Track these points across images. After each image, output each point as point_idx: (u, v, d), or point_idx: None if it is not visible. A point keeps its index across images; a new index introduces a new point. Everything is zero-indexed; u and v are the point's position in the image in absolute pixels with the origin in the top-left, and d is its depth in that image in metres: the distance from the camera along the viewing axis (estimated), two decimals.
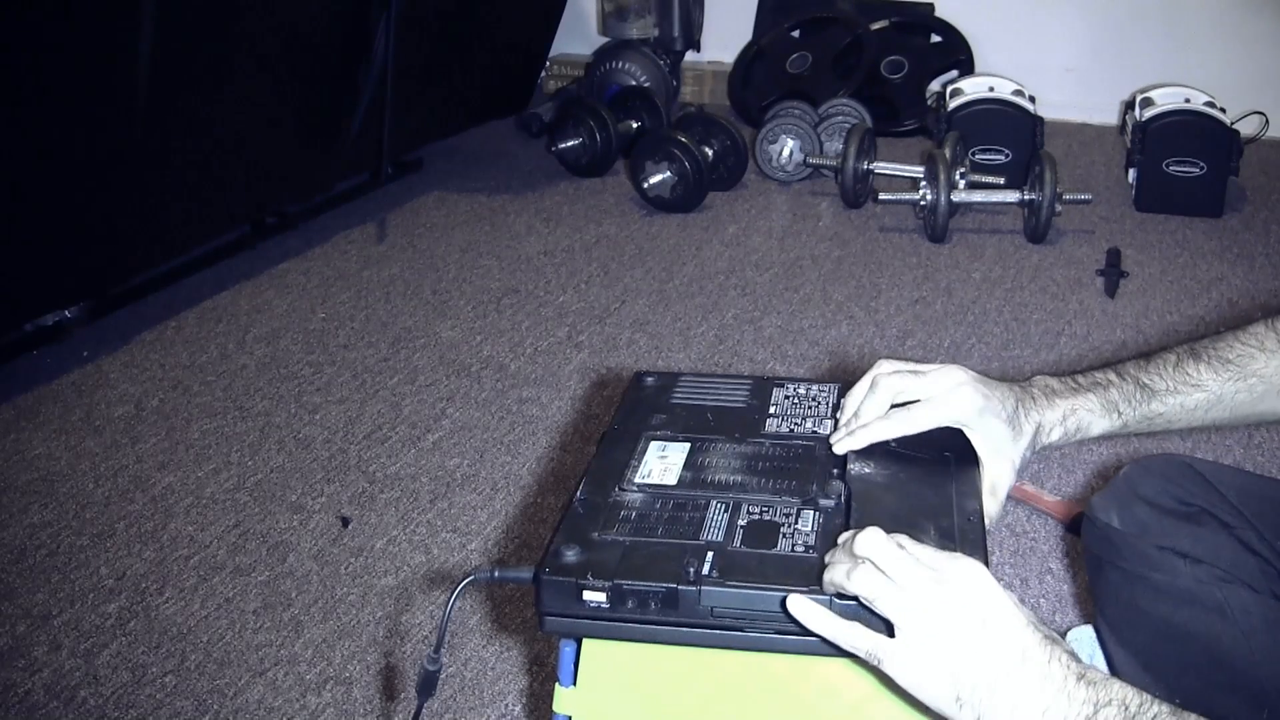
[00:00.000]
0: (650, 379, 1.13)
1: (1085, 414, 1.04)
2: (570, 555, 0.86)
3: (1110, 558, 1.14)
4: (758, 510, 0.91)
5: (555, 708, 0.89)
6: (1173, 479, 1.13)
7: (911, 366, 1.02)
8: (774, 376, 1.14)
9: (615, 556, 0.86)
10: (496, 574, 0.90)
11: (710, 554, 0.86)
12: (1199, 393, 1.06)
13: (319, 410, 2.26)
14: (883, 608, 0.79)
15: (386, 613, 1.71)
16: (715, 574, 0.84)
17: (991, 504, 1.01)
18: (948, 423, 1.00)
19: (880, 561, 0.79)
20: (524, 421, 2.20)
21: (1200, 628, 1.07)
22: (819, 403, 1.08)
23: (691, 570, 0.84)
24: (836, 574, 0.81)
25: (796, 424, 1.04)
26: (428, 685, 0.92)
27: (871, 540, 0.80)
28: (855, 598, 0.80)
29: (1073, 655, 0.79)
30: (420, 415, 2.23)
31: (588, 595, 0.84)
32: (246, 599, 1.74)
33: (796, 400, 1.08)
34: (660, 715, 0.89)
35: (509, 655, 1.62)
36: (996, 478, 1.02)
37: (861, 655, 0.80)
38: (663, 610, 0.84)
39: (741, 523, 0.90)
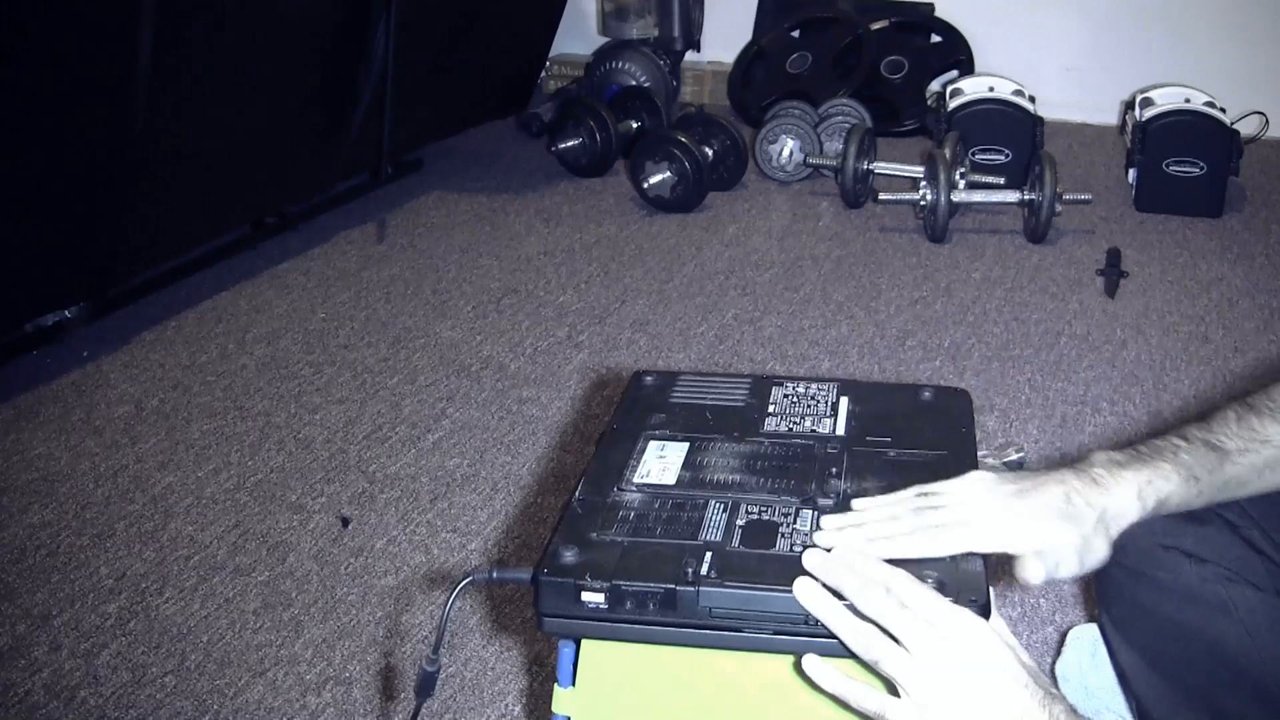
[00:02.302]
0: (649, 378, 1.13)
1: (1162, 484, 0.95)
2: (569, 556, 0.86)
3: (1115, 557, 1.13)
4: (756, 510, 0.91)
5: (554, 708, 0.89)
6: None
7: (942, 490, 0.92)
8: (773, 375, 1.14)
9: (613, 557, 0.86)
10: (495, 575, 0.90)
11: (709, 554, 0.86)
12: (1268, 449, 1.00)
13: (319, 410, 2.26)
14: (888, 670, 0.80)
15: (386, 613, 1.71)
16: (713, 574, 0.84)
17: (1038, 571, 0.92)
18: (967, 549, 0.88)
19: (884, 622, 0.80)
20: (524, 421, 2.20)
21: (1205, 626, 1.07)
22: (818, 401, 1.08)
23: (690, 571, 0.84)
24: (847, 627, 0.81)
25: (795, 423, 1.04)
26: (426, 686, 0.92)
27: (873, 600, 0.81)
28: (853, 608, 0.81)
29: (1071, 710, 0.80)
30: (420, 415, 2.23)
31: (586, 596, 0.84)
32: (246, 599, 1.74)
33: (795, 399, 1.08)
34: (659, 715, 0.89)
35: (509, 655, 1.62)
36: (1057, 563, 0.93)
37: (869, 714, 0.81)
38: (661, 611, 0.83)
39: (740, 523, 0.90)
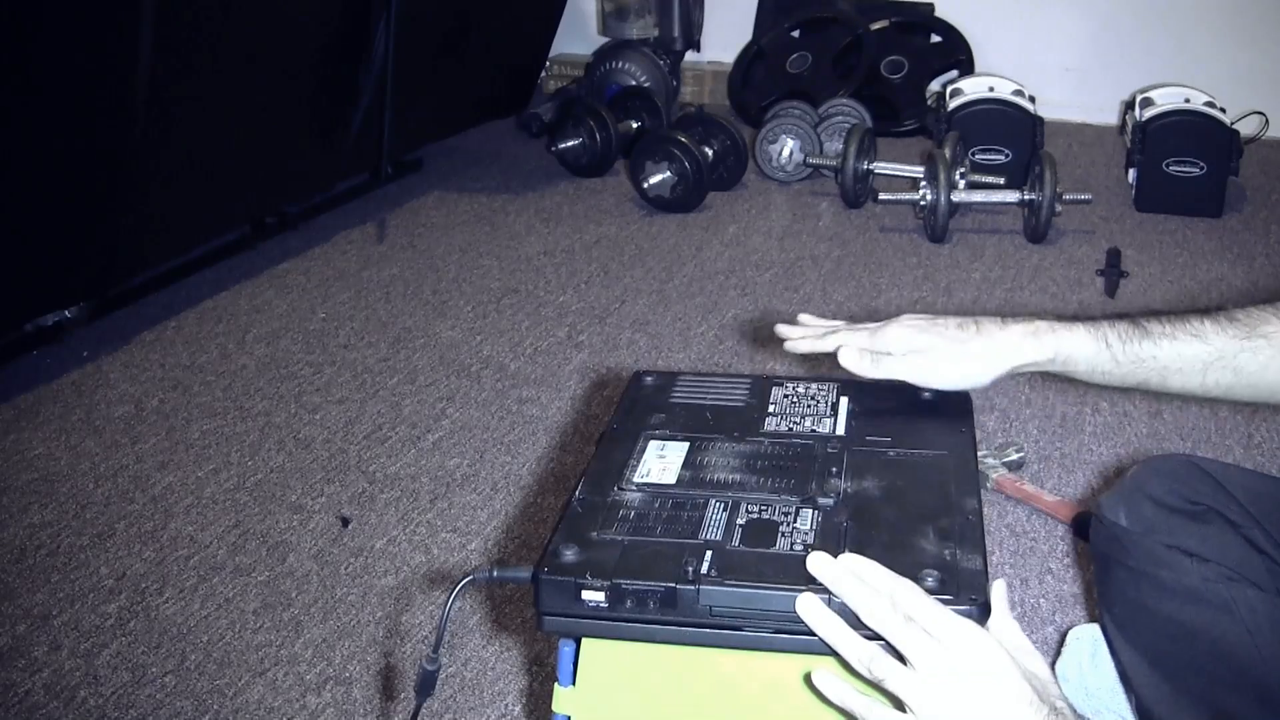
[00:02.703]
0: (649, 378, 1.13)
1: (1067, 334, 1.00)
2: (569, 555, 0.86)
3: (1117, 556, 1.14)
4: (756, 509, 0.91)
5: (554, 708, 0.89)
6: (1180, 478, 1.13)
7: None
8: (773, 375, 1.14)
9: (614, 556, 0.86)
10: (495, 574, 0.90)
11: (709, 553, 0.86)
12: (1198, 343, 1.00)
13: (319, 410, 2.26)
14: (892, 687, 0.80)
15: (386, 613, 1.71)
16: (714, 573, 0.84)
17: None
18: (897, 375, 1.04)
19: (889, 636, 0.80)
20: (524, 421, 2.20)
21: (1207, 626, 1.07)
22: (818, 401, 1.07)
23: (690, 569, 0.84)
24: (850, 646, 0.81)
25: (795, 423, 1.04)
26: (426, 685, 0.92)
27: (878, 613, 0.81)
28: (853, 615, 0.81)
29: None
30: (420, 415, 2.23)
31: (586, 595, 0.84)
32: (246, 599, 1.74)
33: (795, 399, 1.08)
34: (659, 715, 0.89)
35: (509, 655, 1.62)
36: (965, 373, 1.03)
37: None
38: (661, 609, 0.83)
39: (740, 522, 0.90)
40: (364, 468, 2.06)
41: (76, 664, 1.62)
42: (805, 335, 1.13)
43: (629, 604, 0.84)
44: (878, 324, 1.08)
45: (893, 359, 1.05)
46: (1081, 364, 1.00)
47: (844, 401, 1.07)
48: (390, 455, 2.10)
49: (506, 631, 1.66)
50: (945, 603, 0.81)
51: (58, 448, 2.14)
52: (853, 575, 0.83)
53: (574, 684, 0.89)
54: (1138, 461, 1.20)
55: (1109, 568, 1.16)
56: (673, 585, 0.83)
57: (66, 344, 2.47)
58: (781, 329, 1.14)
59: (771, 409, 1.06)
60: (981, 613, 0.82)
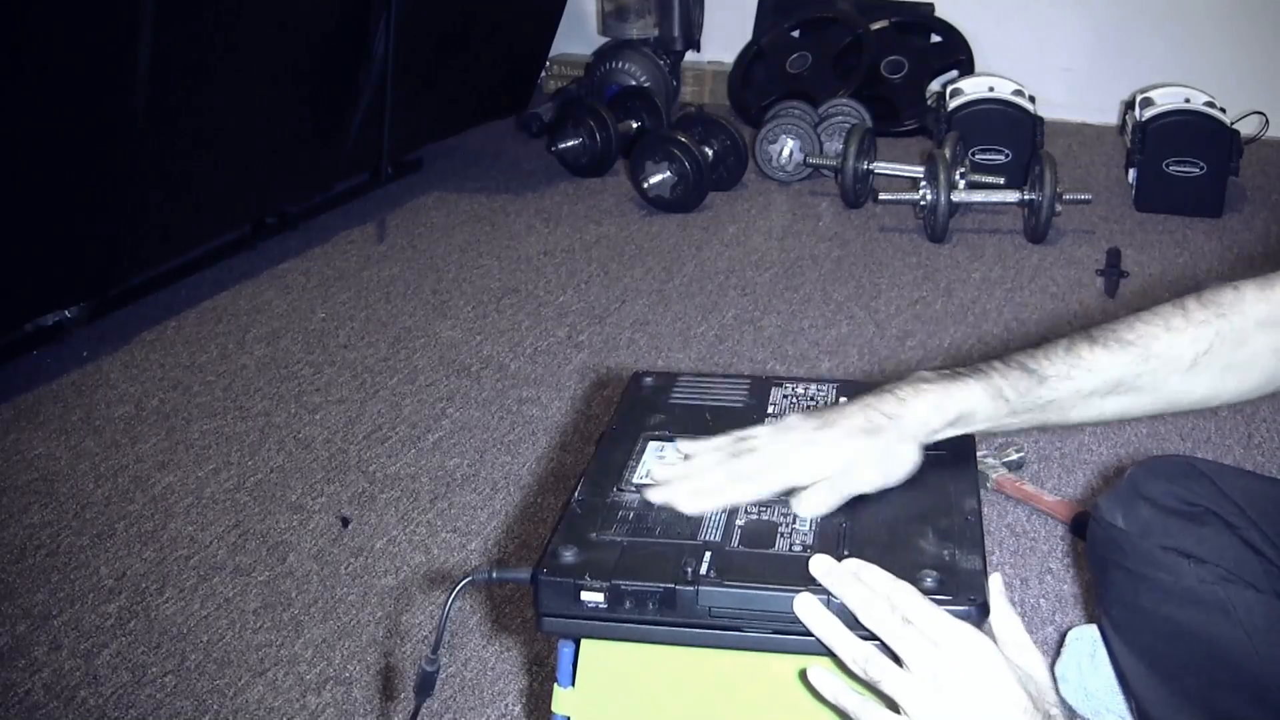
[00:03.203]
0: (649, 379, 1.13)
1: (963, 397, 0.96)
2: (568, 556, 0.86)
3: (1115, 558, 1.14)
4: (755, 510, 0.91)
5: (554, 708, 0.89)
6: (1177, 480, 1.13)
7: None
8: (772, 376, 1.14)
9: (613, 557, 0.86)
10: (495, 575, 0.90)
11: (708, 554, 0.86)
12: (1094, 377, 0.97)
13: (319, 410, 2.26)
14: (887, 689, 0.80)
15: (386, 613, 1.71)
16: (713, 574, 0.84)
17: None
18: (801, 483, 0.92)
19: (886, 638, 0.80)
20: (524, 421, 2.20)
21: (1204, 627, 1.07)
22: (817, 402, 1.08)
23: (689, 570, 0.84)
24: (847, 647, 0.81)
25: None
26: (426, 686, 0.92)
27: (876, 615, 0.81)
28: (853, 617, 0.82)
29: None
30: (420, 415, 2.23)
31: (585, 595, 0.84)
32: (246, 599, 1.74)
33: (795, 400, 1.08)
34: (659, 715, 0.89)
35: (509, 655, 1.62)
36: (859, 479, 0.94)
37: None
38: (661, 610, 0.83)
39: (739, 523, 0.90)
40: (364, 468, 2.06)
41: (76, 664, 1.62)
42: (705, 486, 0.95)
43: (628, 605, 0.84)
44: (774, 473, 0.94)
45: (843, 479, 0.93)
46: (980, 421, 0.97)
47: (843, 402, 1.07)
48: (390, 455, 2.10)
49: (506, 631, 1.66)
50: (944, 603, 0.81)
51: (58, 448, 2.14)
52: (852, 576, 0.83)
53: (574, 684, 0.89)
54: (1136, 463, 1.20)
55: (1106, 570, 1.16)
56: (672, 586, 0.83)
57: (66, 344, 2.47)
58: (659, 495, 0.94)
59: (771, 410, 1.06)
60: (980, 613, 0.82)
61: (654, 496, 0.93)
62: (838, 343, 2.50)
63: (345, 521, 1.91)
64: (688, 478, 0.95)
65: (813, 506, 0.91)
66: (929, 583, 0.82)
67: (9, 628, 1.69)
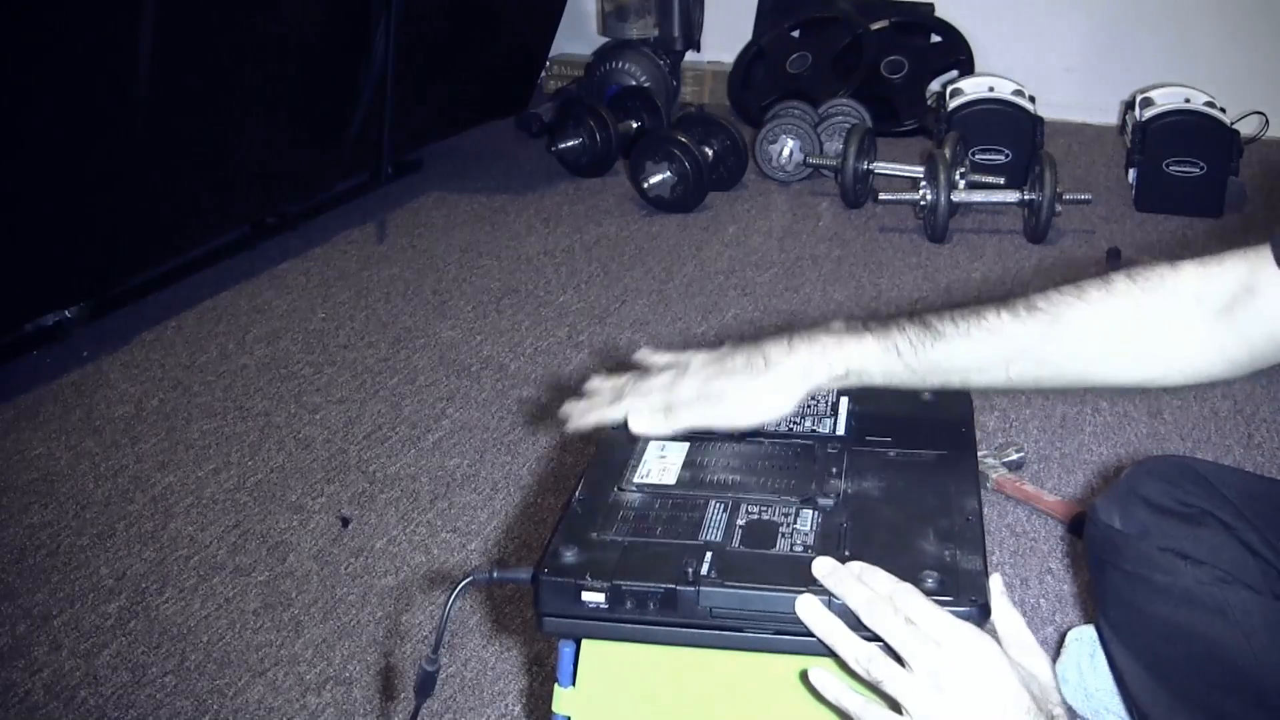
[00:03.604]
0: None
1: (855, 349, 0.97)
2: (569, 556, 0.86)
3: (1112, 559, 1.14)
4: (756, 510, 0.91)
5: (554, 708, 0.89)
6: (1174, 480, 1.13)
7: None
8: None
9: (614, 557, 0.86)
10: (495, 575, 0.90)
11: (709, 554, 0.86)
12: (996, 340, 0.96)
13: (319, 410, 2.26)
14: (890, 690, 0.80)
15: (386, 613, 1.71)
16: (714, 574, 0.84)
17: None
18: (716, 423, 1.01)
19: (889, 639, 0.81)
20: (524, 421, 2.20)
21: (1202, 628, 1.07)
22: (818, 401, 1.08)
23: (690, 571, 0.84)
24: (849, 647, 0.81)
25: (795, 423, 1.04)
26: (426, 686, 0.92)
27: (879, 615, 0.81)
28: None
29: None
30: (420, 415, 2.23)
31: (586, 596, 0.84)
32: (246, 599, 1.74)
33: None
34: (659, 715, 0.89)
35: (509, 655, 1.62)
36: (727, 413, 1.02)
37: None
38: (661, 610, 0.84)
39: (740, 522, 0.90)
40: (364, 468, 2.07)
41: (76, 664, 1.62)
42: (593, 405, 1.08)
43: (629, 605, 0.84)
44: (667, 368, 1.05)
45: (686, 409, 1.01)
46: (876, 375, 0.98)
47: (844, 402, 1.07)
48: (390, 455, 2.10)
49: (506, 631, 1.66)
50: (945, 604, 0.81)
51: (58, 448, 2.14)
52: (854, 578, 0.83)
53: (574, 684, 0.89)
54: (1133, 463, 1.20)
55: (1104, 571, 1.16)
56: (673, 586, 0.83)
57: (66, 344, 2.47)
58: (564, 409, 1.09)
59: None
60: (981, 614, 0.82)
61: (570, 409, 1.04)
62: None
63: (345, 521, 1.91)
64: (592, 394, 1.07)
65: (639, 423, 1.01)
66: (930, 583, 0.82)
67: (9, 628, 1.69)
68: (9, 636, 1.67)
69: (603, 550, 0.87)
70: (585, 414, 1.06)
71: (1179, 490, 1.12)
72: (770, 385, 0.98)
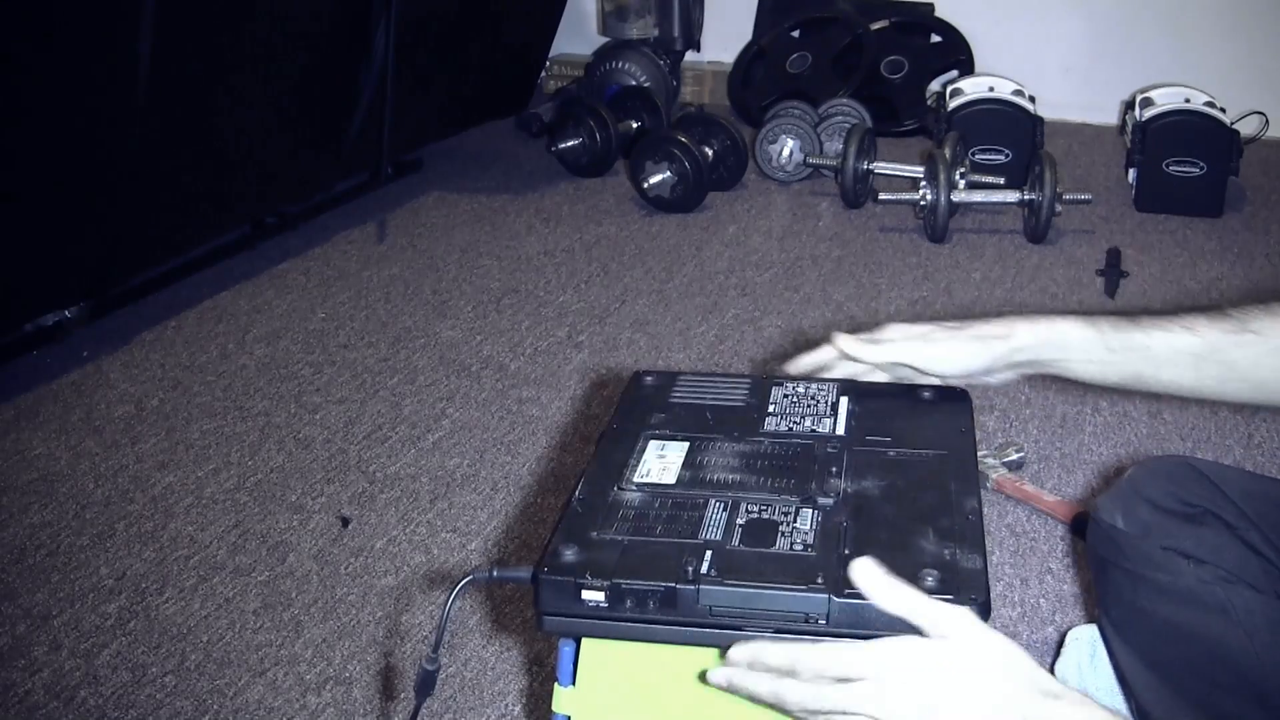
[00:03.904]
0: (649, 378, 1.13)
1: (1061, 321, 1.03)
2: (569, 555, 0.86)
3: (1114, 558, 1.14)
4: (756, 509, 0.91)
5: (554, 708, 0.89)
6: (1176, 480, 1.13)
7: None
8: (773, 375, 1.14)
9: (614, 556, 0.86)
10: (495, 574, 0.90)
11: (709, 553, 0.86)
12: (1189, 335, 1.01)
13: (319, 410, 2.26)
14: (923, 615, 0.80)
15: (386, 613, 1.71)
16: (714, 573, 0.84)
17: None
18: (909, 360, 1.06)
19: (822, 706, 0.79)
20: (524, 421, 2.20)
21: (1204, 628, 1.07)
22: (818, 401, 1.07)
23: (690, 569, 0.84)
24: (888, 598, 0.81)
25: (795, 423, 1.04)
26: (426, 685, 0.92)
27: (795, 697, 0.80)
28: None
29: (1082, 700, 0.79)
30: (420, 415, 2.23)
31: (586, 595, 0.84)
32: (246, 599, 1.74)
33: (795, 399, 1.08)
34: (659, 715, 0.89)
35: (509, 655, 1.62)
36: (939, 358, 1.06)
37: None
38: (662, 609, 0.83)
39: (740, 521, 0.90)
40: (364, 468, 2.07)
41: (76, 664, 1.62)
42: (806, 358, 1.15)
43: (629, 604, 0.84)
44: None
45: (891, 342, 1.08)
46: (1075, 350, 1.02)
47: (844, 401, 1.07)
48: (390, 455, 2.10)
49: (506, 631, 1.66)
50: (945, 601, 0.81)
51: (58, 448, 2.14)
52: (745, 670, 0.81)
53: (574, 684, 0.89)
54: (1135, 463, 1.20)
55: (1106, 570, 1.16)
56: (673, 585, 0.83)
57: (66, 344, 2.47)
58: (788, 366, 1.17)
59: (771, 409, 1.06)
60: (982, 612, 0.82)
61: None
62: None
63: (345, 521, 1.91)
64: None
65: (848, 343, 1.07)
66: (930, 582, 0.82)
67: (9, 628, 1.69)
68: (9, 636, 1.67)
69: (603, 549, 0.87)
70: (798, 362, 1.13)
71: (1181, 490, 1.12)
72: (973, 334, 1.04)
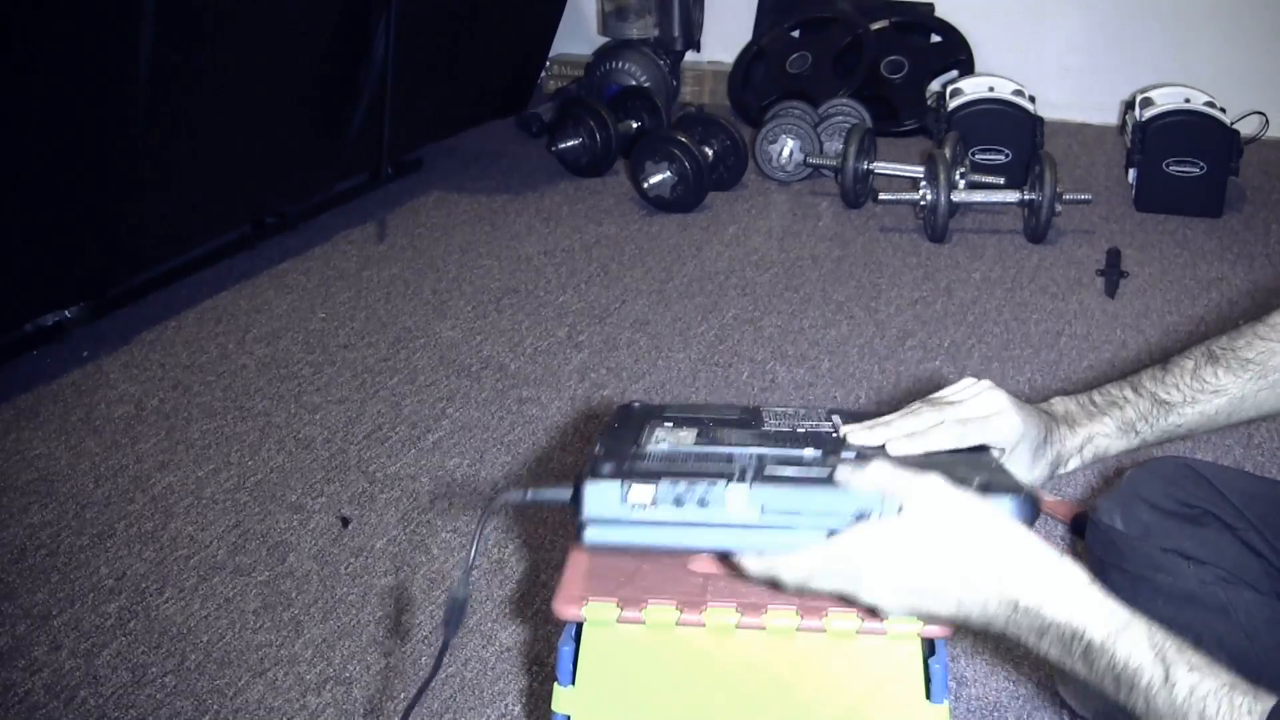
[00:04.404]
0: (636, 406, 1.11)
1: (1102, 440, 1.03)
2: (609, 467, 0.84)
3: (1114, 560, 1.14)
4: (782, 462, 0.89)
5: (554, 707, 0.89)
6: (1175, 481, 1.13)
7: (949, 394, 1.00)
8: (758, 406, 1.11)
9: (658, 467, 0.85)
10: (530, 495, 0.88)
11: (749, 471, 0.85)
12: (1219, 398, 1.03)
13: (319, 410, 2.26)
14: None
15: (386, 613, 1.71)
16: (763, 475, 0.84)
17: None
18: (986, 441, 0.96)
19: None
20: (524, 421, 2.20)
21: (1204, 629, 1.07)
22: (812, 416, 1.07)
23: (739, 470, 0.83)
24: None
25: (795, 424, 1.04)
26: (455, 615, 0.87)
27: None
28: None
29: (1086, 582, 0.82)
30: (420, 415, 2.23)
31: (634, 496, 0.81)
32: (246, 599, 1.74)
33: (789, 415, 1.07)
34: (659, 715, 0.89)
35: (509, 655, 1.62)
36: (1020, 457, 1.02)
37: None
38: (710, 510, 0.81)
39: (769, 470, 0.88)
40: (364, 468, 2.07)
41: (76, 664, 1.62)
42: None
43: (677, 504, 0.81)
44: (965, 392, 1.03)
45: (935, 431, 0.98)
46: (1113, 451, 1.04)
47: (836, 419, 1.07)
48: (390, 455, 2.10)
49: (507, 631, 1.66)
50: (993, 498, 0.83)
51: (58, 448, 2.14)
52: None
53: (574, 684, 0.89)
54: (1134, 464, 1.20)
55: (1105, 571, 1.16)
56: (725, 481, 0.81)
57: (66, 344, 2.47)
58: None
59: (768, 418, 1.06)
60: (1028, 503, 0.83)
61: (854, 439, 0.94)
62: (838, 343, 2.50)
63: (345, 521, 1.91)
64: (890, 424, 0.96)
65: (895, 445, 0.95)
66: (974, 486, 0.83)
67: (9, 628, 1.69)
68: (9, 636, 1.67)
69: (645, 462, 0.86)
70: (913, 440, 0.99)
71: (1180, 491, 1.12)
72: (1031, 411, 1.00)
